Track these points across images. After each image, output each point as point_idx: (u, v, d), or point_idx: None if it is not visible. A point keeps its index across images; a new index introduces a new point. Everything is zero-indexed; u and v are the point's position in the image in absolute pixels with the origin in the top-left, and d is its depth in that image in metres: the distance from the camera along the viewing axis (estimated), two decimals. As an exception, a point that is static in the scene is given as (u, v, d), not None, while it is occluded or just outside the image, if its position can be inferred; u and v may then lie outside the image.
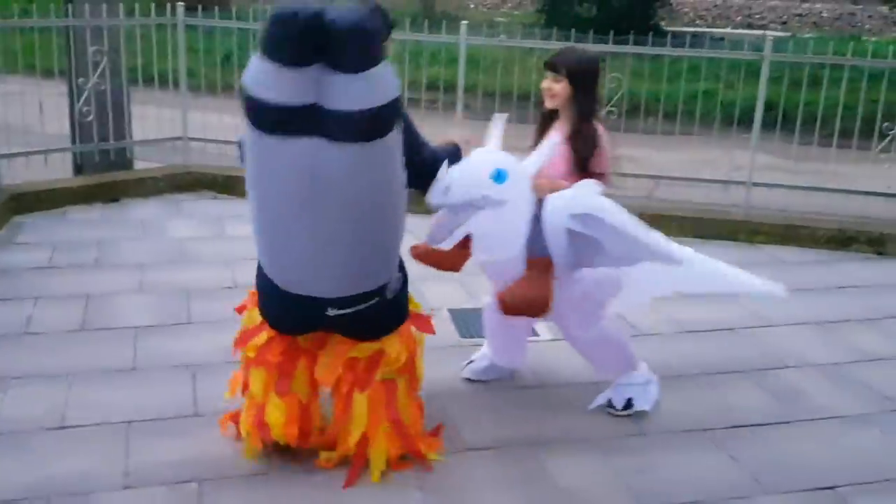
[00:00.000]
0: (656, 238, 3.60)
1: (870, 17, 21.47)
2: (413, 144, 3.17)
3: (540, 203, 3.48)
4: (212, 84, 7.95)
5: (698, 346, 4.72)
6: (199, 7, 7.23)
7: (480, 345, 4.32)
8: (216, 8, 8.87)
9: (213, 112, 7.29)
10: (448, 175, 3.21)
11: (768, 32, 17.78)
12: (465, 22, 6.81)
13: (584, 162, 3.68)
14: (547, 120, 3.89)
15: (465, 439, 3.64)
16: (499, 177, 3.27)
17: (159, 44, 7.13)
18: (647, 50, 6.91)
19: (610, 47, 6.83)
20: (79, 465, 3.33)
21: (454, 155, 3.39)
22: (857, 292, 5.69)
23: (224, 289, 5.02)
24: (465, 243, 3.53)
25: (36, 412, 3.68)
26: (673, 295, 4.10)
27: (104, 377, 4.01)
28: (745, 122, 7.07)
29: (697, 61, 7.43)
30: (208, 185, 6.99)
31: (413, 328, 3.43)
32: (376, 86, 2.77)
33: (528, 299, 3.43)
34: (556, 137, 3.65)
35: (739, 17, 21.21)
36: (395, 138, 2.93)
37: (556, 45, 7.36)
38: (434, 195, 3.21)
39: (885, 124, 6.85)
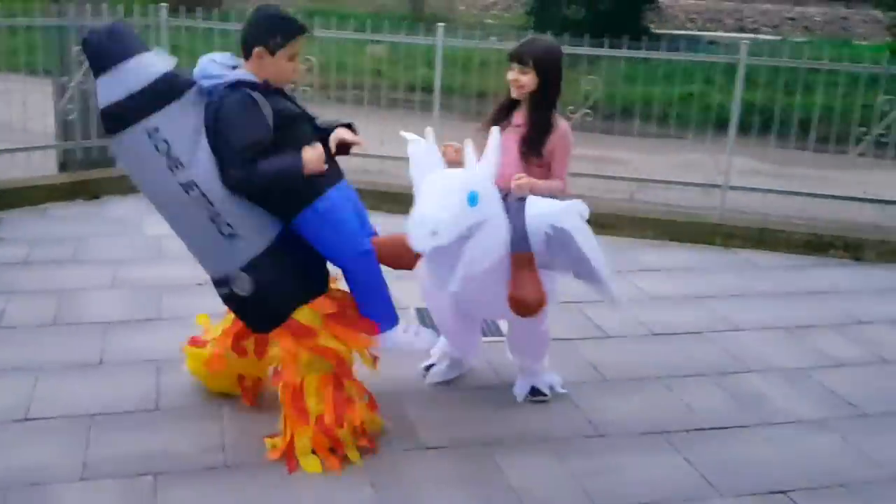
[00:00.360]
0: (608, 272, 3.65)
1: (863, 21, 21.53)
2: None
3: (521, 200, 3.56)
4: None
5: (663, 348, 4.77)
6: (185, 8, 7.28)
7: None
8: (205, 9, 8.92)
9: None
10: (426, 218, 3.14)
11: (759, 36, 17.94)
12: (441, 24, 6.86)
13: (536, 149, 3.74)
14: (505, 109, 3.90)
15: (420, 437, 3.68)
16: (473, 200, 3.24)
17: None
18: (622, 53, 6.96)
19: (585, 49, 6.88)
20: (39, 457, 3.38)
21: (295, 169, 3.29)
22: (829, 298, 5.73)
23: (196, 285, 5.04)
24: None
25: (2, 404, 3.73)
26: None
27: (71, 371, 4.06)
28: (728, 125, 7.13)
29: (684, 64, 7.48)
30: (189, 184, 7.02)
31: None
32: (106, 88, 3.15)
33: (538, 299, 3.50)
34: (498, 136, 3.47)
35: (731, 21, 21.28)
36: (137, 136, 3.15)
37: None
38: (419, 242, 3.16)
39: (862, 128, 6.90)
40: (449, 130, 7.28)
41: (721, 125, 7.16)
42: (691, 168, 7.79)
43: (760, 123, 7.34)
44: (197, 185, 3.20)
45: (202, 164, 3.21)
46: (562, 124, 3.81)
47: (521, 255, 3.52)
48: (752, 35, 18.44)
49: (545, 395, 4.08)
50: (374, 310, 3.51)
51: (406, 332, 3.61)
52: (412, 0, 19.04)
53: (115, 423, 3.65)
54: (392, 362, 3.99)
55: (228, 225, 3.26)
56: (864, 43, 17.23)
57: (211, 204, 3.23)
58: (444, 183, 3.28)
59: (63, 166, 7.14)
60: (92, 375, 4.03)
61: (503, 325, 4.81)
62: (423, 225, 3.12)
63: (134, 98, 3.12)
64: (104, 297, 4.92)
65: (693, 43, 8.49)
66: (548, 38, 3.97)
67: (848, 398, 4.30)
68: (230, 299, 3.41)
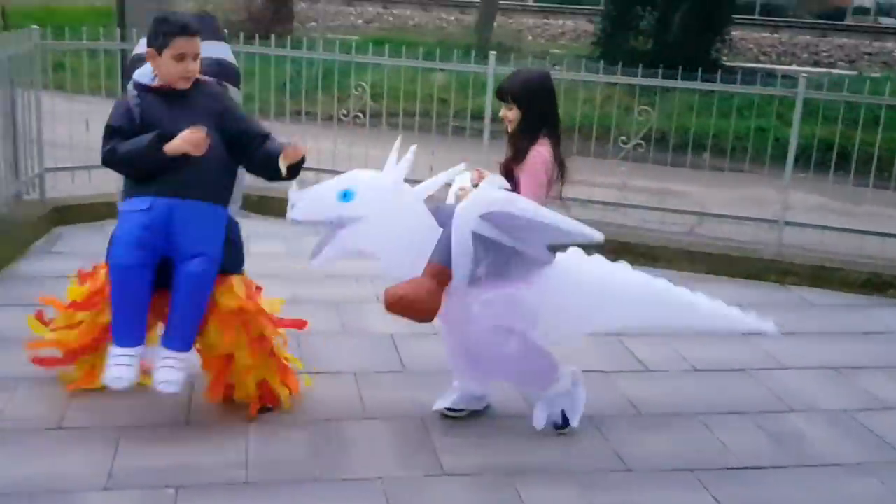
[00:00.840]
0: (570, 221, 3.58)
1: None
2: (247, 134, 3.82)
3: None
4: (268, 108, 8.04)
5: (704, 385, 4.68)
6: (258, 35, 7.44)
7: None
8: (278, 35, 9.12)
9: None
10: (294, 195, 3.54)
11: (834, 71, 17.58)
12: (493, 52, 6.90)
13: (510, 178, 3.71)
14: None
15: (443, 462, 3.67)
16: (345, 196, 3.51)
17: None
18: (676, 84, 6.90)
19: (638, 80, 6.84)
20: (66, 466, 3.47)
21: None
22: (883, 339, 5.55)
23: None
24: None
25: (38, 412, 3.84)
26: (619, 330, 4.16)
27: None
28: (803, 161, 7.02)
29: (750, 97, 7.37)
30: (241, 204, 7.13)
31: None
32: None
33: (409, 300, 3.46)
34: (411, 150, 3.71)
35: (806, 55, 20.92)
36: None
37: (584, 77, 7.44)
38: (287, 213, 3.56)
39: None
40: (499, 157, 7.34)
41: (782, 159, 7.04)
42: (754, 202, 7.66)
43: (820, 158, 7.18)
44: None
45: None
46: (532, 151, 3.72)
47: (431, 265, 3.51)
48: (826, 70, 18.09)
49: (563, 427, 3.98)
50: (112, 319, 3.72)
51: (113, 357, 3.68)
52: (479, 30, 19.14)
53: (144, 436, 3.72)
54: (419, 386, 4.01)
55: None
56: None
57: None
58: (335, 179, 3.66)
59: (123, 185, 7.33)
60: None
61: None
62: (289, 200, 3.54)
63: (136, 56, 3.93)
64: (149, 313, 5.01)
65: (753, 75, 8.32)
66: (531, 69, 4.02)
67: (893, 442, 4.16)
68: None
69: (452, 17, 24.03)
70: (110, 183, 7.22)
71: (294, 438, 3.79)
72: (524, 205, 3.47)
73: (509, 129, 3.85)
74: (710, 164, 7.54)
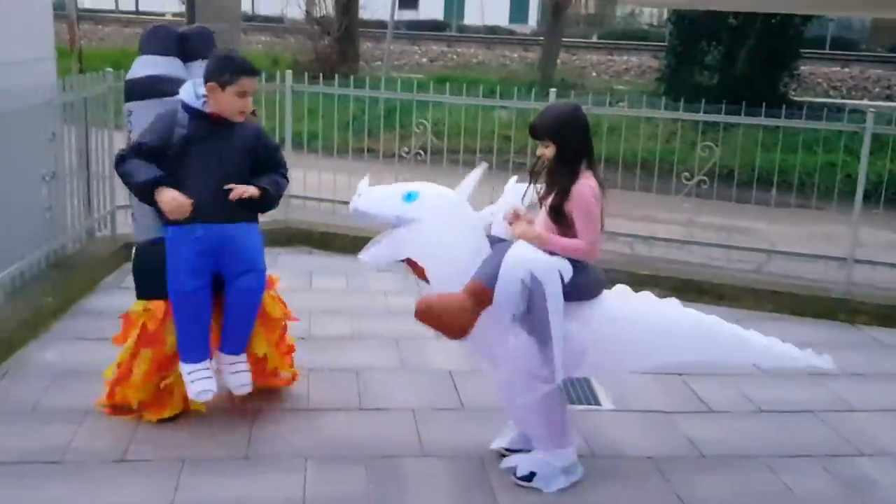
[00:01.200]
0: (558, 338, 3.50)
1: None
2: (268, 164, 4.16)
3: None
4: (331, 145, 8.14)
5: (769, 426, 4.58)
6: (323, 74, 7.58)
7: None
8: (342, 75, 9.26)
9: (326, 171, 7.60)
10: (363, 185, 3.71)
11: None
12: (553, 89, 6.92)
13: (557, 214, 3.64)
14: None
15: (499, 503, 3.65)
16: (409, 196, 3.61)
17: (270, 105, 7.52)
18: (738, 119, 6.81)
19: (700, 116, 6.79)
20: (129, 497, 3.53)
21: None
22: (958, 381, 5.38)
23: (298, 339, 5.20)
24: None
25: (102, 445, 3.92)
26: (667, 367, 4.03)
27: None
28: (871, 196, 6.88)
29: (818, 132, 7.24)
30: (305, 240, 7.26)
31: None
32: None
33: (437, 311, 3.45)
34: (515, 182, 3.88)
35: (878, 89, 20.50)
36: (125, 110, 4.20)
37: (644, 113, 7.41)
38: (351, 202, 3.70)
39: None
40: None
41: (851, 195, 6.90)
42: (823, 239, 7.52)
43: (891, 194, 7.01)
44: None
45: None
46: (579, 186, 3.59)
47: (474, 283, 3.48)
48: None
49: (515, 474, 3.81)
50: (180, 340, 4.03)
51: (191, 374, 4.01)
52: (542, 67, 19.23)
53: (205, 469, 3.77)
54: (477, 423, 3.99)
55: (133, 206, 4.15)
56: None
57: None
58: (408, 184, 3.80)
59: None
60: (187, 420, 4.18)
61: (601, 395, 4.75)
62: (357, 189, 3.69)
63: (127, 82, 4.18)
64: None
65: (819, 110, 8.17)
66: (561, 104, 3.86)
67: (967, 488, 4.02)
68: None
69: (516, 55, 24.20)
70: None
71: (351, 475, 3.80)
72: (556, 306, 3.45)
73: (546, 166, 3.74)
74: (776, 201, 7.41)
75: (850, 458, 4.26)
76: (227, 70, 3.87)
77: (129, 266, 6.39)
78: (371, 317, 5.60)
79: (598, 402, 4.68)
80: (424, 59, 23.64)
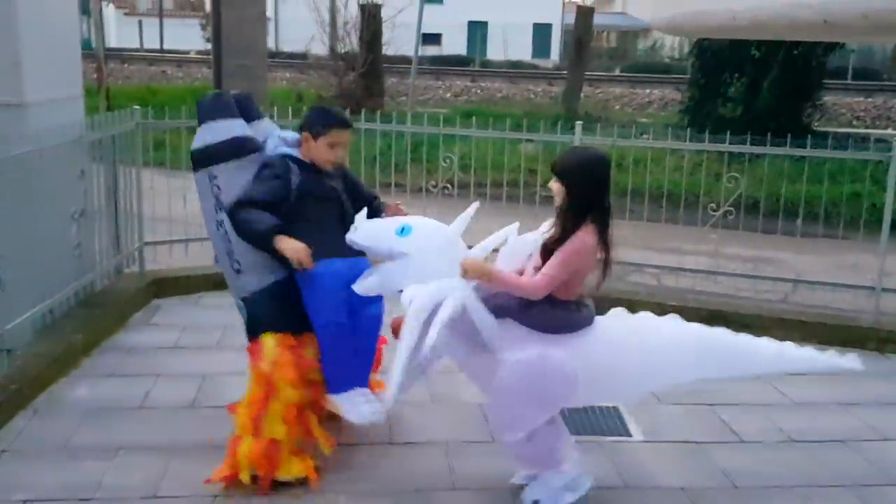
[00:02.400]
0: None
1: None
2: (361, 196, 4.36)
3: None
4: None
5: (802, 456, 4.53)
6: (350, 110, 7.67)
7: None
8: (369, 110, 9.34)
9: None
10: (360, 219, 3.84)
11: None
12: (579, 122, 6.94)
13: (547, 252, 3.63)
14: None
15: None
16: (402, 231, 3.70)
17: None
18: (763, 150, 6.80)
19: (726, 147, 6.79)
20: (161, 535, 3.53)
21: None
22: None
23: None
24: None
25: (134, 481, 3.94)
26: (679, 384, 3.89)
27: (202, 452, 4.24)
28: None
29: (844, 162, 7.20)
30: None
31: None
32: (197, 136, 4.23)
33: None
34: (515, 225, 3.96)
35: (902, 119, 20.48)
36: (202, 176, 4.16)
37: (670, 145, 7.42)
38: (349, 234, 3.82)
39: None
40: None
41: (878, 224, 6.85)
42: (850, 269, 7.46)
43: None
44: (224, 226, 4.11)
45: None
46: (578, 236, 3.56)
47: None
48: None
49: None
50: (328, 372, 4.03)
51: (346, 402, 3.99)
52: (566, 101, 19.32)
53: (235, 505, 3.77)
54: (509, 455, 3.96)
55: (237, 262, 4.14)
56: None
57: (230, 241, 4.12)
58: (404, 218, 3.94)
59: (217, 258, 7.52)
60: (222, 458, 4.17)
61: (631, 426, 4.72)
62: (354, 222, 3.84)
63: (207, 149, 4.17)
64: (243, 382, 5.07)
65: (845, 140, 8.14)
66: (590, 151, 3.79)
67: None
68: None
69: (539, 89, 24.34)
70: (205, 256, 7.49)
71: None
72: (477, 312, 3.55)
73: (556, 204, 3.70)
74: (802, 231, 7.38)
75: (885, 488, 4.22)
76: (321, 122, 4.14)
77: (156, 303, 6.55)
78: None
79: (628, 433, 4.65)
80: (448, 94, 23.81)
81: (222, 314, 6.42)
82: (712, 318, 6.48)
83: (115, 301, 6.20)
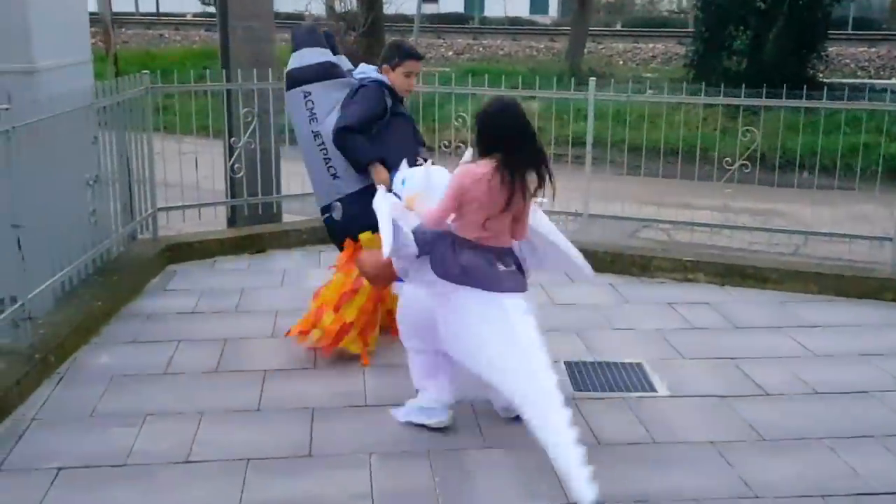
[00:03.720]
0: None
1: None
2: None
3: None
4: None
5: (826, 407, 4.53)
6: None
7: (595, 398, 4.34)
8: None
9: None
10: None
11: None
12: (593, 78, 6.87)
13: None
14: None
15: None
16: (403, 182, 4.21)
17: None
18: (780, 102, 6.76)
19: (742, 101, 6.75)
20: (196, 500, 3.55)
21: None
22: None
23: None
24: None
25: (165, 447, 3.94)
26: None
27: (230, 417, 4.25)
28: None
29: (858, 114, 7.13)
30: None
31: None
32: (291, 60, 5.03)
33: (363, 266, 4.40)
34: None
35: (906, 68, 20.28)
36: (296, 94, 4.92)
37: (685, 100, 7.37)
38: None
39: None
40: (599, 183, 7.30)
41: (892, 174, 6.82)
42: (863, 220, 7.45)
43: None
44: (321, 136, 4.85)
45: (328, 125, 4.81)
46: (467, 165, 3.86)
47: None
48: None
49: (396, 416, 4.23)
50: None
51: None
52: (569, 57, 19.13)
53: (270, 469, 3.79)
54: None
55: (333, 168, 4.86)
56: None
57: (326, 151, 4.85)
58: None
59: (231, 222, 7.52)
60: (250, 421, 4.20)
61: (656, 382, 4.73)
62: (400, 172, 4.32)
63: (302, 70, 4.94)
64: (265, 346, 5.12)
65: (857, 92, 8.07)
66: (502, 100, 3.94)
67: None
68: (327, 222, 5.02)
69: (542, 45, 24.09)
70: (219, 220, 7.47)
71: (417, 468, 3.81)
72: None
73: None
74: (816, 183, 7.34)
75: (911, 438, 4.22)
76: (397, 55, 4.81)
77: (172, 268, 6.53)
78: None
79: (653, 389, 4.66)
80: (450, 53, 23.55)
81: (238, 278, 6.43)
82: (728, 272, 6.50)
83: (131, 268, 6.18)
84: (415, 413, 4.18)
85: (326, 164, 4.86)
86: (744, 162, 6.80)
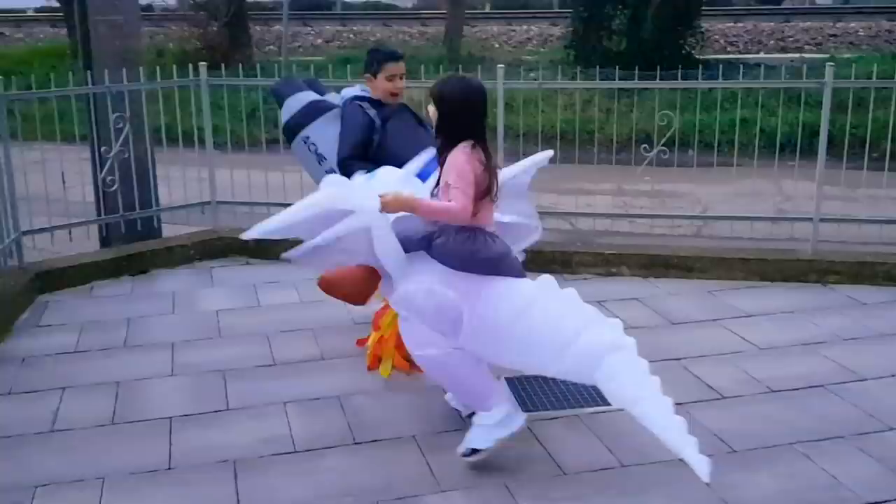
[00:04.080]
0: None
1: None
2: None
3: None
4: (238, 139, 7.67)
5: (787, 408, 4.26)
6: (223, 65, 7.04)
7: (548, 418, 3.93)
8: (236, 65, 8.67)
9: (241, 168, 6.95)
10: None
11: (805, 55, 17.39)
12: (501, 66, 6.49)
13: (439, 179, 3.67)
14: None
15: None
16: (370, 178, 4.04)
17: (182, 102, 6.86)
18: (696, 84, 6.65)
19: (656, 83, 6.56)
20: None
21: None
22: (950, 333, 5.18)
23: (261, 367, 4.64)
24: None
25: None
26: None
27: (138, 481, 3.63)
28: (789, 150, 6.72)
29: (733, 91, 7.08)
30: (240, 251, 6.61)
31: None
32: (283, 114, 5.05)
33: (329, 283, 3.79)
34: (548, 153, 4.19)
35: (773, 42, 20.67)
36: (298, 142, 4.91)
37: (593, 85, 7.11)
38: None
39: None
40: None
41: (784, 150, 6.70)
42: (755, 198, 7.35)
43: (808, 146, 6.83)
44: (336, 172, 4.54)
45: (335, 159, 4.74)
46: (454, 151, 3.58)
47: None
48: (796, 55, 17.93)
49: (467, 452, 3.70)
50: None
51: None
52: (448, 41, 18.74)
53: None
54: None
55: None
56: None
57: None
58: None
59: (105, 241, 6.78)
60: (163, 484, 3.59)
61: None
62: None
63: (293, 118, 4.95)
64: (165, 388, 4.49)
65: (733, 67, 8.07)
66: (465, 78, 3.81)
67: None
68: None
69: (415, 31, 23.55)
70: (92, 240, 6.71)
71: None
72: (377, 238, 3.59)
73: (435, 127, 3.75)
74: (697, 161, 7.19)
75: (881, 434, 4.00)
76: (375, 60, 4.76)
77: (43, 299, 5.76)
78: (337, 332, 5.07)
79: (605, 401, 4.25)
80: (319, 41, 22.71)
81: (122, 305, 5.73)
82: (651, 263, 6.24)
83: (-4, 302, 5.39)
84: (495, 430, 3.69)
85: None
86: (663, 147, 6.51)
